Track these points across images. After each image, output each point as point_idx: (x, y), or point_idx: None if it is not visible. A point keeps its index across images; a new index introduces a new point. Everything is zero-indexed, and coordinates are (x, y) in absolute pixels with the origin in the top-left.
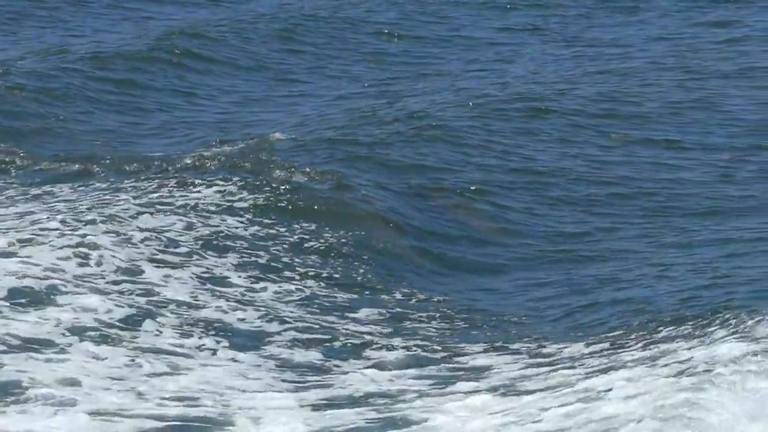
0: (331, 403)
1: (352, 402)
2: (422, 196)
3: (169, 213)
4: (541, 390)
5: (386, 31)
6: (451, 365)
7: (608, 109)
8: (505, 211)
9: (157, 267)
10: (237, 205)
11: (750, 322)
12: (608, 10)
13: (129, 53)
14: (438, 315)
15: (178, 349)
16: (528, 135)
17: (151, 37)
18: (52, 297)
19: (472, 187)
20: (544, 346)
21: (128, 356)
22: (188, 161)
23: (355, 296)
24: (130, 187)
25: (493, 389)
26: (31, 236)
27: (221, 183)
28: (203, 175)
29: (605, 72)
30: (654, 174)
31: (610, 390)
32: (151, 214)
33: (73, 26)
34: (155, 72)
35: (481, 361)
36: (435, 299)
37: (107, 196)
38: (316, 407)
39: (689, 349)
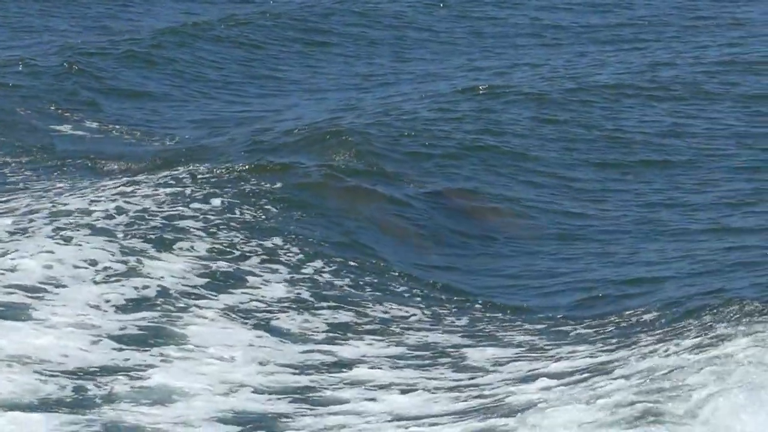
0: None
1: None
2: (437, 192)
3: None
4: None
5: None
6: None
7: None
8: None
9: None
10: (247, 195)
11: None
12: None
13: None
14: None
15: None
16: (532, 129)
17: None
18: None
19: (487, 185)
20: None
21: None
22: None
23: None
24: (148, 179)
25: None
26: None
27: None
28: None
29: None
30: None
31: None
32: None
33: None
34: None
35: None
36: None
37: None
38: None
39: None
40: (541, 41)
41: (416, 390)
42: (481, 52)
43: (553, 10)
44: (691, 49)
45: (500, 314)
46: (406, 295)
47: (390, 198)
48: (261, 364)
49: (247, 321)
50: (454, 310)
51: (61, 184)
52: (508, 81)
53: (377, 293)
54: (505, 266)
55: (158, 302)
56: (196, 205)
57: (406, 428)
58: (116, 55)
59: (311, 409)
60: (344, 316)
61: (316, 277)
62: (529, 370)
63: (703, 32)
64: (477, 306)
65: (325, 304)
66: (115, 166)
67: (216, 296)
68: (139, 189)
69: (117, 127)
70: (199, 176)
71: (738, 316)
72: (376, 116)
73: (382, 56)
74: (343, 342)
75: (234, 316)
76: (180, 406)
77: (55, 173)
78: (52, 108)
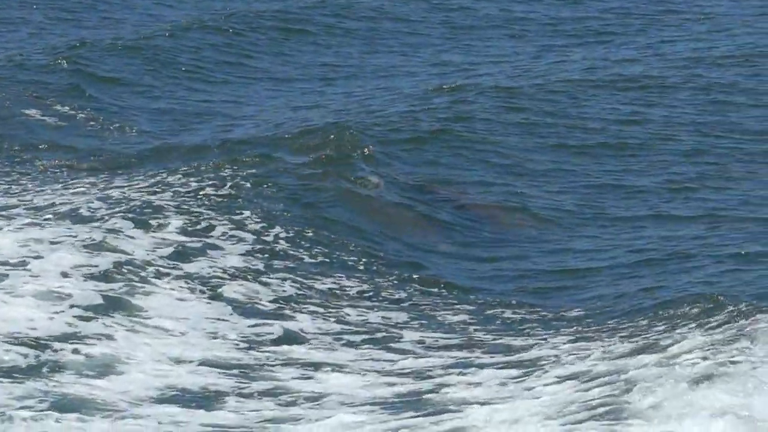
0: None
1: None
2: (446, 190)
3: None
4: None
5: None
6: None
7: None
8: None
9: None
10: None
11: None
12: None
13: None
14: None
15: None
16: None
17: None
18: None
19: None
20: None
21: None
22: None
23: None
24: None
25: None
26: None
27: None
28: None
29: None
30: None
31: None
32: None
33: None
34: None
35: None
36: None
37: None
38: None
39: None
40: (510, 32)
41: (349, 371)
42: (453, 45)
43: (527, 3)
44: (657, 42)
45: (440, 295)
46: (358, 270)
47: (357, 179)
48: (207, 337)
49: (203, 294)
50: (398, 288)
51: (39, 173)
52: (477, 73)
53: (329, 267)
54: (455, 246)
55: (123, 275)
56: (171, 190)
57: (334, 413)
58: (100, 49)
59: (244, 387)
60: (292, 289)
61: (275, 249)
62: (463, 358)
63: (670, 26)
64: (417, 285)
65: (277, 277)
66: (93, 158)
67: (178, 270)
68: (117, 177)
69: (96, 119)
70: (176, 167)
71: (678, 310)
72: (346, 110)
73: (354, 48)
74: (288, 317)
75: (191, 289)
76: (122, 378)
77: (35, 162)
78: (33, 99)
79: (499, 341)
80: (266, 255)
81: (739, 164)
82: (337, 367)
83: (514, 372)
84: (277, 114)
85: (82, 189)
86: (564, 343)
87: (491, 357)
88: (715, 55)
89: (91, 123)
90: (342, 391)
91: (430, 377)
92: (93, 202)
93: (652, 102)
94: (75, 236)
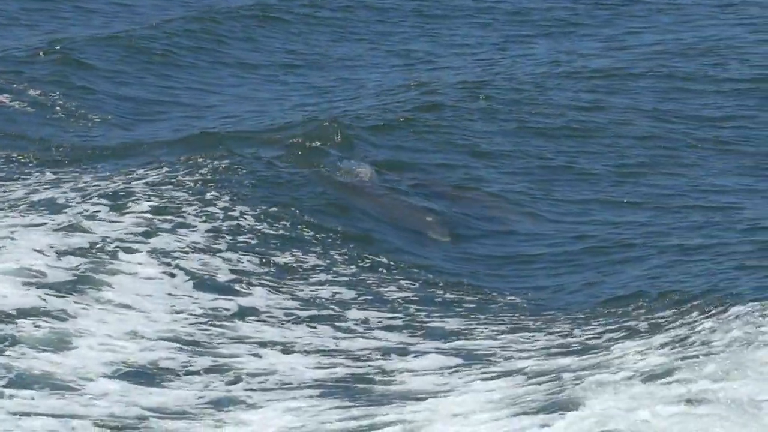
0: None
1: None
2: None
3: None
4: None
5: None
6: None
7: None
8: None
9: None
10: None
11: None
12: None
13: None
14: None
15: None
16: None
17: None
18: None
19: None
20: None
21: None
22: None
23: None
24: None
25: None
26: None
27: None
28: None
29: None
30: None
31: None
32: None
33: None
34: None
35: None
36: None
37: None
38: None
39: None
40: (480, 22)
41: (295, 350)
42: (422, 34)
43: None
44: (622, 33)
45: (389, 273)
46: (317, 246)
47: (326, 165)
48: (165, 312)
49: (166, 271)
50: (350, 264)
51: (9, 164)
52: (442, 65)
53: (290, 244)
54: (410, 225)
55: (93, 254)
56: (144, 178)
57: (273, 396)
58: (79, 41)
59: (192, 364)
60: (252, 265)
61: (240, 224)
62: (404, 342)
63: (637, 17)
64: (367, 262)
65: (240, 253)
66: (62, 149)
67: (146, 249)
68: (90, 167)
69: (70, 110)
70: (149, 156)
71: (618, 304)
72: (313, 103)
73: (328, 37)
74: (244, 293)
75: (156, 266)
76: (75, 353)
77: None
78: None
79: (440, 325)
80: (231, 233)
81: (691, 150)
82: (284, 346)
83: (454, 360)
84: (250, 104)
85: (56, 178)
86: (503, 333)
87: (431, 342)
88: (679, 46)
89: (64, 114)
90: (285, 372)
91: (371, 360)
92: (66, 191)
93: (614, 90)
94: (49, 220)
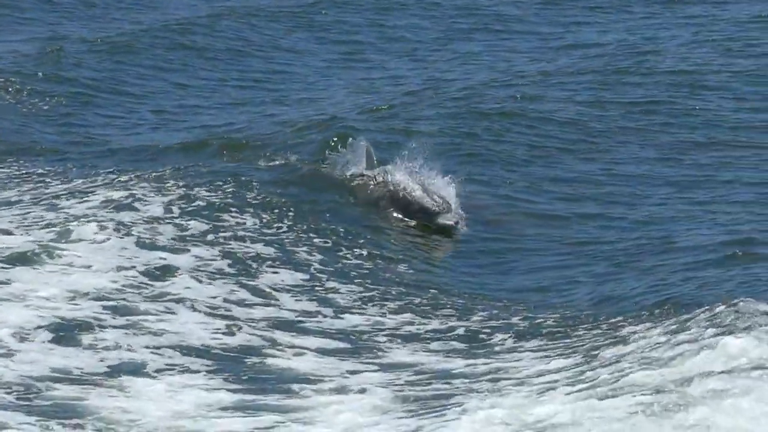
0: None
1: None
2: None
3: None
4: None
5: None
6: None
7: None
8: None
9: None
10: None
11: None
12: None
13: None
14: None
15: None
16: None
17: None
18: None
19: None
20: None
21: None
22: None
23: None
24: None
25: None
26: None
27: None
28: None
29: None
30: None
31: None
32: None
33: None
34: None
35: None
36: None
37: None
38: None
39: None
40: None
41: (204, 312)
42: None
43: None
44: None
45: (308, 242)
46: (256, 210)
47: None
48: (107, 271)
49: (119, 236)
50: (270, 226)
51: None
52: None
53: (236, 208)
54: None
55: (59, 225)
56: (128, 177)
57: (172, 360)
58: (86, 48)
59: (109, 323)
60: (198, 227)
61: (191, 195)
62: (296, 345)
63: (588, 19)
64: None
65: (193, 218)
66: (62, 156)
67: (111, 217)
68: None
69: (54, 117)
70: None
71: (502, 306)
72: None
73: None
74: (183, 250)
75: (111, 232)
76: (16, 311)
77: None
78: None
79: (335, 313)
80: (183, 201)
81: (609, 134)
82: (194, 306)
83: (339, 345)
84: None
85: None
86: (392, 328)
87: (317, 324)
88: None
89: (60, 114)
90: (187, 335)
91: (272, 331)
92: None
93: (550, 85)
94: (24, 201)
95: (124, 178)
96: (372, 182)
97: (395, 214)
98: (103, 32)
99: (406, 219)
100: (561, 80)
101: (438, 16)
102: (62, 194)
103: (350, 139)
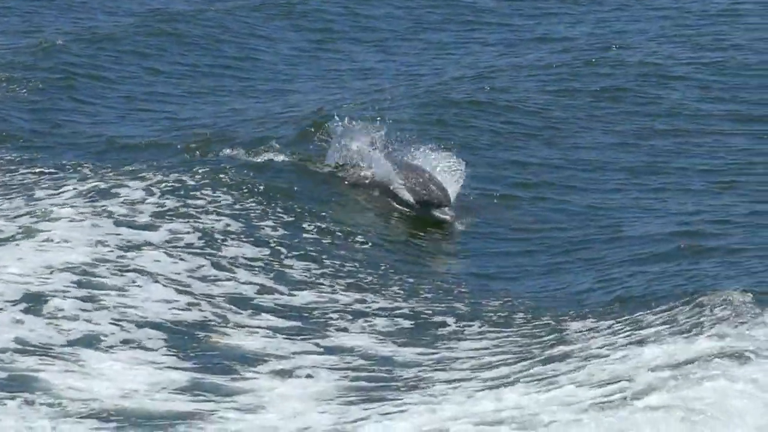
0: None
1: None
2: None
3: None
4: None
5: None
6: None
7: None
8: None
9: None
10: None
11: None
12: None
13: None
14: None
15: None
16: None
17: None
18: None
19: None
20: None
21: None
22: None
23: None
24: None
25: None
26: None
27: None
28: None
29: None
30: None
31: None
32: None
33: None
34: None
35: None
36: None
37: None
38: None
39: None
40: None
41: (166, 285)
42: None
43: None
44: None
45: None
46: (230, 189)
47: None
48: (83, 246)
49: (97, 216)
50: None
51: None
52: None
53: (208, 186)
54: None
55: (41, 209)
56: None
57: (129, 335)
58: (80, 43)
59: (75, 296)
60: (172, 205)
61: (163, 180)
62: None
63: (566, 13)
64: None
65: (165, 200)
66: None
67: (90, 203)
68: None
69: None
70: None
71: (448, 294)
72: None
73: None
74: (156, 227)
75: (90, 213)
76: None
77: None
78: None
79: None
80: (158, 184)
81: (573, 121)
82: (158, 280)
83: (289, 323)
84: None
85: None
86: (342, 306)
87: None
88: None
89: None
90: (142, 316)
91: (210, 311)
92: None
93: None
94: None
95: (98, 164)
96: (345, 166)
97: (365, 195)
98: (82, 22)
99: (376, 200)
100: (531, 71)
101: (413, 6)
102: (36, 179)
103: (325, 124)
